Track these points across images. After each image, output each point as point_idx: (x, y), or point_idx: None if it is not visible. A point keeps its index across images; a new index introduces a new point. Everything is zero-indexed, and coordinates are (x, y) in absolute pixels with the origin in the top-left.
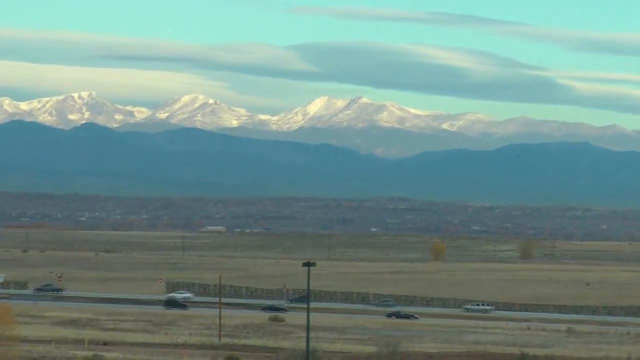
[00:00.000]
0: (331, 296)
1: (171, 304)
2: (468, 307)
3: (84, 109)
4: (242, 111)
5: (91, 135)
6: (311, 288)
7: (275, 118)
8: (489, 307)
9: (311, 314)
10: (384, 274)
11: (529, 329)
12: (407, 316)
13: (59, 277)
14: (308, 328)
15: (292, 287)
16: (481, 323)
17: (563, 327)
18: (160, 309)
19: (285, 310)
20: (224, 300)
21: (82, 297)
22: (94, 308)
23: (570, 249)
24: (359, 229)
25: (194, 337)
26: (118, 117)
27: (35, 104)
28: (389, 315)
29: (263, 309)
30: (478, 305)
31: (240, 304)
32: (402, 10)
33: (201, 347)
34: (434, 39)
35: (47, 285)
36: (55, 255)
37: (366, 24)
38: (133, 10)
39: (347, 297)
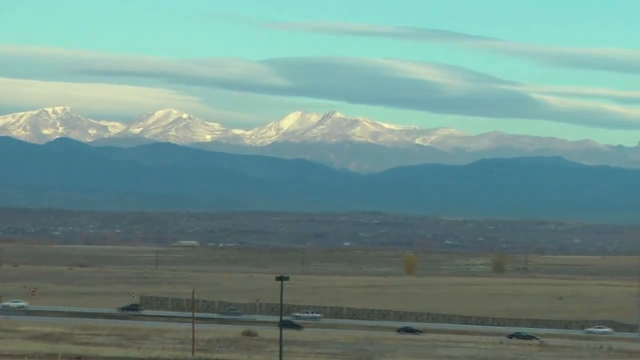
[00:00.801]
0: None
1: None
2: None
3: (58, 124)
4: (216, 126)
5: (65, 150)
6: (284, 302)
7: (249, 133)
8: (317, 315)
9: (284, 329)
10: (357, 287)
11: (501, 343)
12: (529, 337)
13: (33, 291)
14: (281, 343)
15: (266, 301)
16: (454, 337)
17: (536, 341)
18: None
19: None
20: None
21: (55, 311)
22: (67, 322)
23: (543, 262)
24: (332, 243)
25: (167, 352)
26: (92, 131)
27: (9, 118)
28: (510, 337)
29: (398, 331)
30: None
31: (213, 318)
32: (376, 25)
33: None
34: (407, 54)
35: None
36: (29, 269)
37: (340, 38)
38: (107, 26)
39: (320, 311)
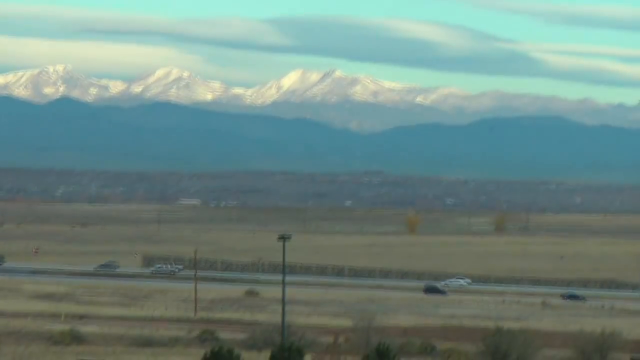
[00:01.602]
0: (306, 269)
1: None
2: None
3: (59, 83)
4: (217, 85)
5: (66, 109)
6: (286, 261)
7: (249, 92)
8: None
9: (287, 288)
10: (359, 247)
11: (504, 302)
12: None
13: (35, 250)
14: (283, 301)
15: (268, 260)
16: (456, 297)
17: (538, 300)
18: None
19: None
20: (199, 274)
21: (58, 270)
22: (70, 281)
23: (544, 222)
24: (333, 202)
25: (170, 311)
26: (93, 91)
27: (10, 77)
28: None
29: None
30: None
31: (217, 277)
32: None
33: (177, 320)
34: (408, 12)
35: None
36: (31, 228)
37: None
38: None
39: (322, 271)
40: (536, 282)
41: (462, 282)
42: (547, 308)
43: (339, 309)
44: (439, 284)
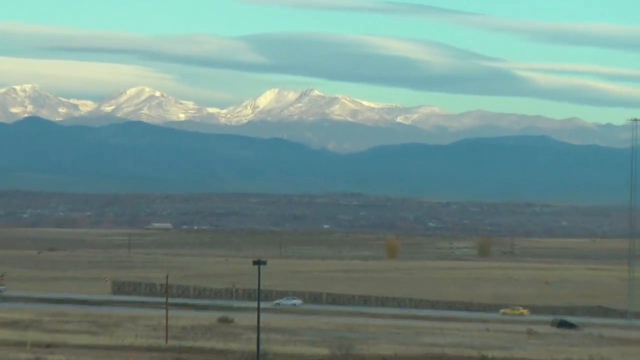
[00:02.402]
0: (282, 295)
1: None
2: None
3: (27, 102)
4: (190, 104)
5: (34, 129)
6: (262, 287)
7: (224, 111)
8: (297, 301)
9: (262, 315)
10: (337, 272)
11: (488, 330)
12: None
13: (1, 276)
14: (258, 329)
15: (242, 286)
16: (438, 324)
17: (523, 328)
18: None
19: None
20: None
21: (24, 297)
22: (36, 309)
23: (530, 246)
24: (311, 225)
25: (140, 339)
26: (62, 110)
27: None
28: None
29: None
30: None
31: (189, 304)
32: None
33: (148, 349)
34: (388, 30)
35: None
36: None
37: (318, 14)
38: (77, 1)
39: (299, 297)
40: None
41: (295, 301)
42: (533, 336)
43: (316, 337)
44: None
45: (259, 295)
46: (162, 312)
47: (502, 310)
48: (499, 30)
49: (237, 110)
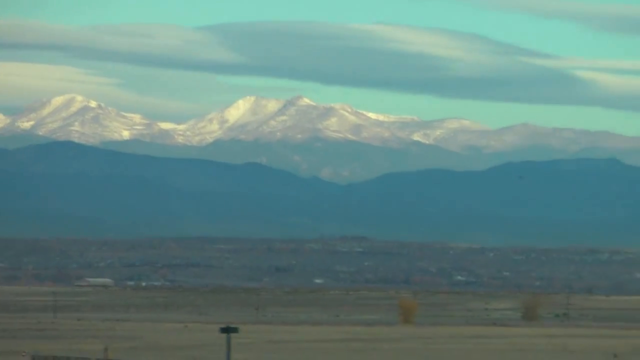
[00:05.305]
0: None
1: None
2: None
3: None
4: (137, 118)
5: None
6: None
7: (182, 127)
8: None
9: None
10: (333, 342)
11: None
12: None
13: None
14: None
15: None
16: None
17: None
18: None
19: None
20: None
21: None
22: None
23: (593, 306)
24: (298, 280)
25: None
26: None
27: None
28: None
29: None
30: None
31: None
32: None
33: None
34: (401, 17)
35: None
36: None
37: None
38: None
39: None
40: None
41: None
42: None
43: None
44: None
45: None
46: None
47: None
48: (553, 17)
49: (200, 125)
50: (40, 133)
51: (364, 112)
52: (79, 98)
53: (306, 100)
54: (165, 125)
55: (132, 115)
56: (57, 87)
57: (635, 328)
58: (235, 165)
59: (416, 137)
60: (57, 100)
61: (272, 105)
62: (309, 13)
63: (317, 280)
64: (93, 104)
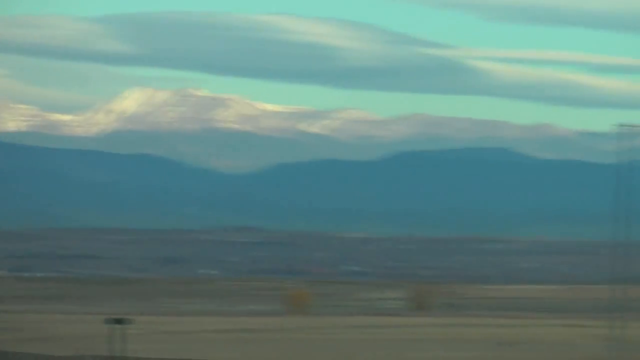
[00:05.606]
0: None
1: None
2: None
3: None
4: (29, 109)
5: None
6: (123, 353)
7: (73, 118)
8: None
9: None
10: (224, 333)
11: None
12: None
13: None
14: None
15: (97, 352)
16: None
17: None
18: None
19: None
20: None
21: None
22: None
23: (483, 295)
24: (189, 271)
25: None
26: None
27: None
28: None
29: None
30: None
31: None
32: None
33: None
34: (294, 7)
35: None
36: None
37: None
38: None
39: None
40: None
41: None
42: None
43: None
44: None
45: None
46: None
47: None
48: (444, 6)
49: (93, 116)
50: None
51: (258, 103)
52: None
53: (199, 91)
54: (56, 117)
55: (24, 106)
56: None
57: (526, 317)
58: (127, 155)
59: (309, 127)
60: None
61: (164, 96)
62: (201, 4)
63: (208, 271)
64: None
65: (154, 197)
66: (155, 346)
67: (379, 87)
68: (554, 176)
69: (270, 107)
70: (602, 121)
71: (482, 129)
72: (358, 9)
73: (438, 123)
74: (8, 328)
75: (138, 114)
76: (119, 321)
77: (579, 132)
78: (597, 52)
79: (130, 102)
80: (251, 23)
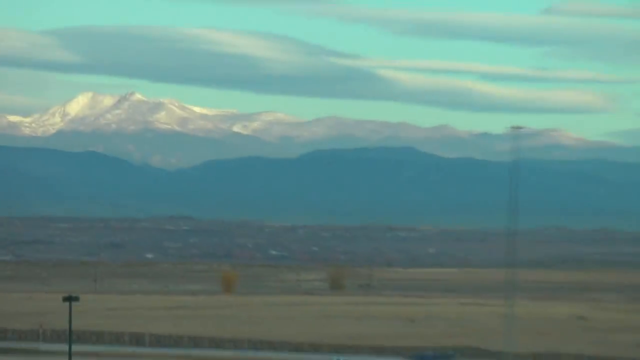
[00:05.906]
0: (98, 337)
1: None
2: None
3: None
4: None
5: None
6: (74, 327)
7: (27, 120)
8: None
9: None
10: (162, 309)
11: None
12: None
13: None
14: None
15: (51, 326)
16: None
17: None
18: None
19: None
20: None
21: None
22: None
23: (392, 277)
24: (131, 255)
25: None
26: None
27: None
28: None
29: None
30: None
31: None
32: None
33: None
34: (223, 22)
35: None
36: None
37: (140, 3)
38: None
39: (117, 339)
40: (380, 350)
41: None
42: None
43: None
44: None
45: (71, 336)
46: None
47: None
48: (356, 22)
49: (44, 118)
50: None
51: (190, 106)
52: None
53: (138, 96)
54: (12, 118)
55: None
56: None
57: (429, 297)
58: (75, 153)
59: (236, 128)
60: None
61: (108, 100)
62: (141, 18)
63: (148, 255)
64: None
65: (100, 190)
66: (104, 321)
67: (298, 93)
68: (454, 172)
69: (201, 110)
70: (497, 124)
71: (389, 130)
72: (279, 23)
73: (351, 125)
74: None
75: (85, 116)
76: (72, 299)
77: (475, 134)
78: (489, 62)
79: (77, 105)
80: (185, 35)
